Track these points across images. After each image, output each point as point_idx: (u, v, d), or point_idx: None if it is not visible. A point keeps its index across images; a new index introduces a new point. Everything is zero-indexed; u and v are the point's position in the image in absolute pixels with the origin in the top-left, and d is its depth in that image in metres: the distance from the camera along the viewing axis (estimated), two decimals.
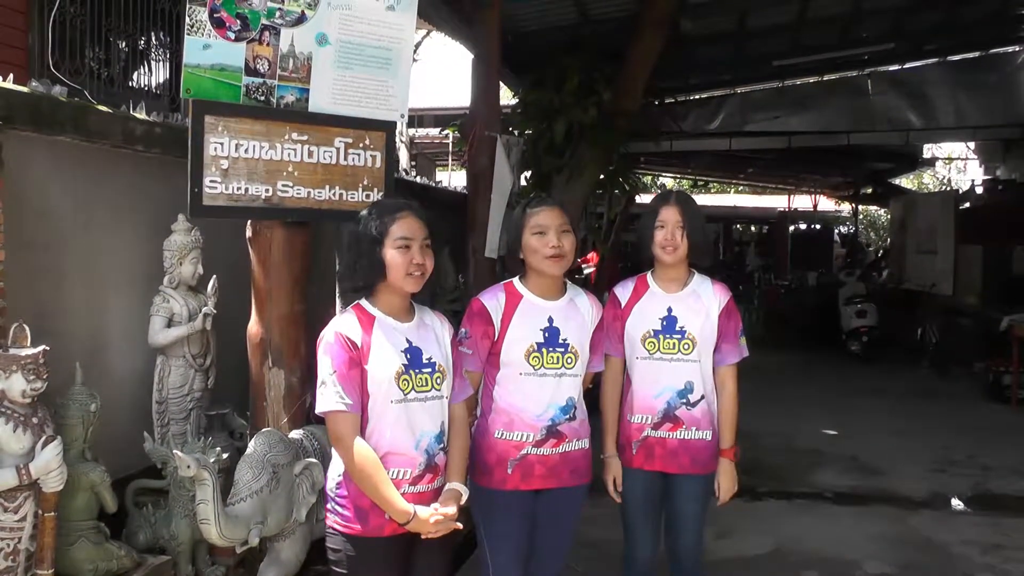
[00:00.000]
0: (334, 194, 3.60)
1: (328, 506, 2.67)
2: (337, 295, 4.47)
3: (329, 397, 2.50)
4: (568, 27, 7.63)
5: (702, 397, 3.23)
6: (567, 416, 2.98)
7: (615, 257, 10.20)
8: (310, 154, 3.55)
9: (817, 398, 9.55)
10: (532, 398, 2.95)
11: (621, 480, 3.29)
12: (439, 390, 2.65)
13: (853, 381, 10.83)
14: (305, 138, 3.54)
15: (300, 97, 3.58)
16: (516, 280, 3.07)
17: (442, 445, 2.67)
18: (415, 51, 17.14)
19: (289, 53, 3.53)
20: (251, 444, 3.33)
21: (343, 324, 2.59)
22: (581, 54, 7.24)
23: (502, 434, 2.96)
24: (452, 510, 2.59)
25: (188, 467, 3.03)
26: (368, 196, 3.62)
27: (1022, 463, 6.89)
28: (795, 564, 4.72)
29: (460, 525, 2.63)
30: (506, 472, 2.95)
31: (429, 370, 2.63)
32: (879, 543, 5.11)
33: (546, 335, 2.96)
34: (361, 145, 3.64)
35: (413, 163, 14.64)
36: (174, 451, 3.25)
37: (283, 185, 3.51)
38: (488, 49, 5.96)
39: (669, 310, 3.22)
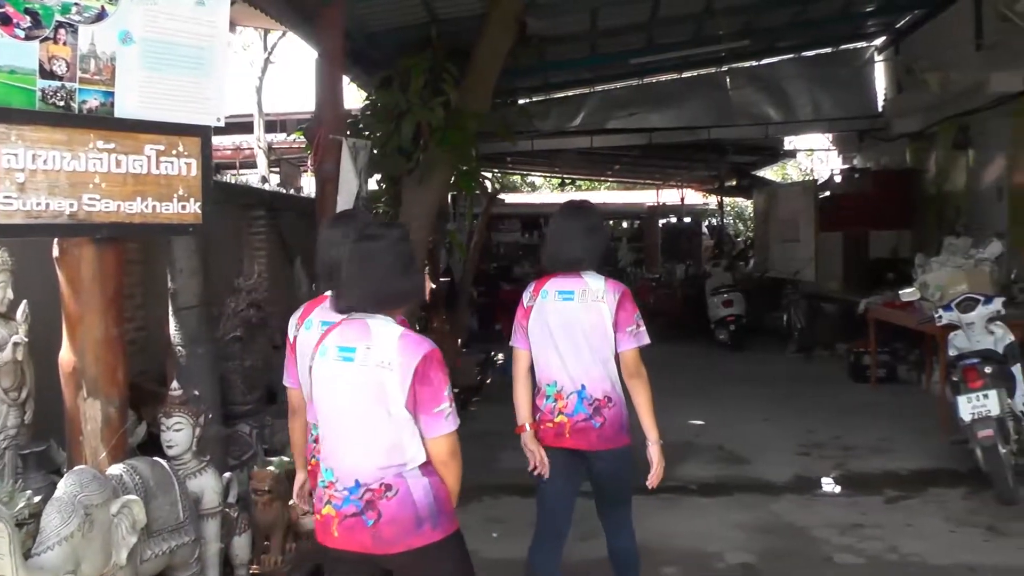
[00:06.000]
0: (147, 206, 3.33)
1: None
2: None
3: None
4: (418, 26, 7.47)
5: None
6: None
7: (481, 257, 10.09)
8: (118, 164, 3.27)
9: (686, 389, 9.47)
10: None
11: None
12: None
13: (721, 370, 11.07)
14: (112, 146, 3.25)
15: (105, 101, 3.29)
16: None
17: None
18: (270, 53, 16.72)
19: (90, 53, 3.23)
20: (60, 485, 3.03)
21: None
22: (427, 53, 7.12)
23: None
24: None
25: None
26: (184, 207, 3.37)
27: (879, 441, 7.14)
28: (656, 561, 4.62)
29: None
30: None
31: None
32: (741, 532, 5.15)
33: None
34: (174, 152, 3.38)
35: (274, 170, 14.18)
36: None
37: (89, 199, 3.22)
38: (331, 48, 5.71)
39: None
